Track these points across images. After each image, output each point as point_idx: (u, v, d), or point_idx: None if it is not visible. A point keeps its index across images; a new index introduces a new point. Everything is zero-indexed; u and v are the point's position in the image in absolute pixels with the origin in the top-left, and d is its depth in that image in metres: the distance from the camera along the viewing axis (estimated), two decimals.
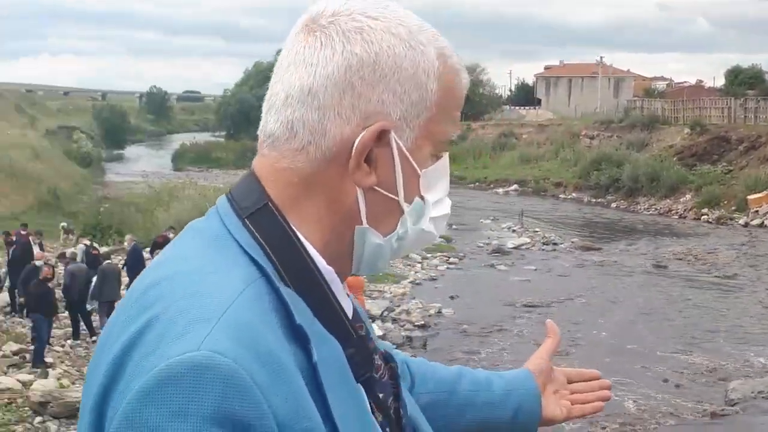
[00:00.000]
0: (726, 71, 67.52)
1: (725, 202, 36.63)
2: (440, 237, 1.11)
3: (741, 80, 62.08)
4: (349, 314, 1.11)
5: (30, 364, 14.30)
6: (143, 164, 67.49)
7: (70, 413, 12.20)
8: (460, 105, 1.15)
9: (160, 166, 66.49)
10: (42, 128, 62.06)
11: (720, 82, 73.06)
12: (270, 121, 1.11)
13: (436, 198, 1.15)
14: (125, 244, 20.63)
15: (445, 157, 1.16)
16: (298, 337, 1.00)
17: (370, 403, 1.10)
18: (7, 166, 38.99)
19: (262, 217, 1.07)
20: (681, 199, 39.20)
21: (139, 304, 0.99)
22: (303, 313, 1.03)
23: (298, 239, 1.07)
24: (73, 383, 13.56)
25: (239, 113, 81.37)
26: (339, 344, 1.05)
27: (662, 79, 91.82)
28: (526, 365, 1.54)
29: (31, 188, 38.49)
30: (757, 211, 34.46)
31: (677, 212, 38.27)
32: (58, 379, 13.57)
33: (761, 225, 33.19)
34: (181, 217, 30.26)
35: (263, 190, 1.09)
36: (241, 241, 1.05)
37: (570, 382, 1.56)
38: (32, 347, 14.71)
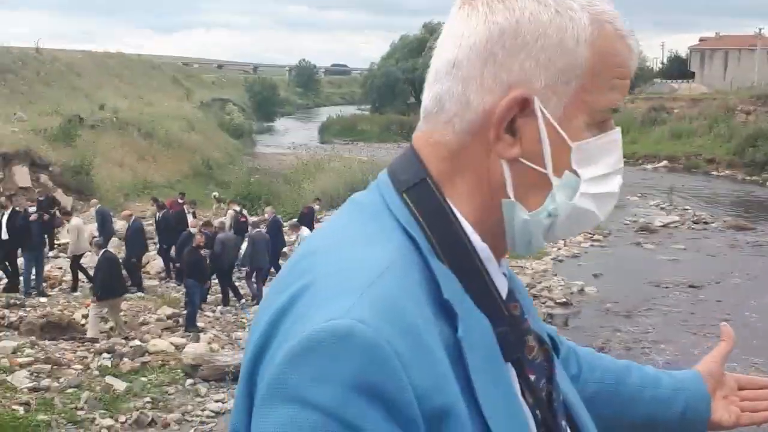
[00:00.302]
0: None
1: None
2: None
3: None
4: (503, 293, 1.09)
5: (183, 328, 14.88)
6: (291, 136, 68.68)
7: (218, 376, 12.59)
8: (624, 72, 1.08)
9: (308, 138, 67.47)
10: (197, 100, 63.82)
11: None
12: (425, 96, 1.10)
13: (597, 173, 1.08)
14: (266, 215, 21.18)
15: (614, 132, 1.10)
16: (445, 312, 1.00)
17: (519, 384, 1.08)
18: (164, 137, 40.29)
19: (419, 192, 1.07)
20: None
21: (294, 273, 1.03)
22: (453, 289, 1.02)
23: (454, 215, 1.06)
24: (222, 348, 13.99)
25: (384, 87, 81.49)
26: (489, 322, 1.04)
27: None
28: (696, 367, 1.50)
29: (186, 158, 39.60)
30: None
31: None
32: (209, 343, 14.03)
33: None
34: (327, 188, 30.87)
35: (421, 165, 1.09)
36: (397, 214, 1.06)
37: (741, 389, 1.51)
38: (185, 312, 15.25)
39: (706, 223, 28.25)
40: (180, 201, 21.54)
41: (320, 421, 0.89)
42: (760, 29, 78.26)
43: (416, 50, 79.19)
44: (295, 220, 21.81)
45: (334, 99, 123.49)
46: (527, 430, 1.06)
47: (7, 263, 17.68)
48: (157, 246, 20.06)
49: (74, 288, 17.41)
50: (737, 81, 67.14)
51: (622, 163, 1.12)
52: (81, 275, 17.86)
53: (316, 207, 24.16)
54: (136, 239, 18.17)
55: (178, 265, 17.42)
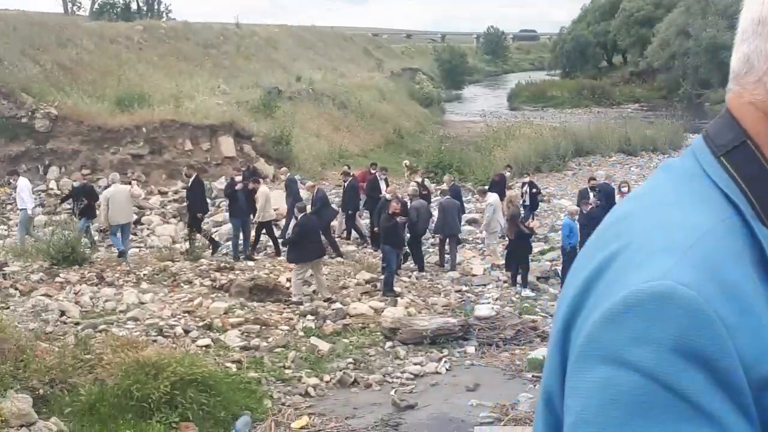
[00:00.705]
0: None
1: None
2: None
3: None
4: None
5: (380, 293, 15.24)
6: (480, 104, 68.26)
7: (416, 340, 12.82)
8: None
9: (496, 105, 66.87)
10: (387, 70, 64.53)
11: None
12: (733, 58, 1.07)
13: None
14: (444, 185, 21.32)
15: None
16: None
17: None
18: (357, 108, 41.18)
19: (738, 155, 1.03)
20: None
21: (609, 234, 1.02)
22: None
23: None
24: (419, 312, 14.23)
25: (575, 51, 79.55)
26: None
27: None
28: None
29: (378, 127, 40.34)
30: None
31: None
32: (406, 307, 14.30)
33: None
34: (518, 155, 30.54)
35: (739, 128, 1.04)
36: (715, 178, 1.02)
37: None
38: (382, 277, 15.61)
39: None
40: (372, 171, 22.04)
41: (640, 383, 0.88)
42: None
43: (608, 13, 76.78)
44: (485, 186, 21.80)
45: (522, 65, 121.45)
46: None
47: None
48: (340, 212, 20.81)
49: (277, 252, 18.19)
50: None
51: None
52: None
53: (507, 174, 24.01)
54: (322, 208, 18.78)
55: (376, 229, 17.89)
